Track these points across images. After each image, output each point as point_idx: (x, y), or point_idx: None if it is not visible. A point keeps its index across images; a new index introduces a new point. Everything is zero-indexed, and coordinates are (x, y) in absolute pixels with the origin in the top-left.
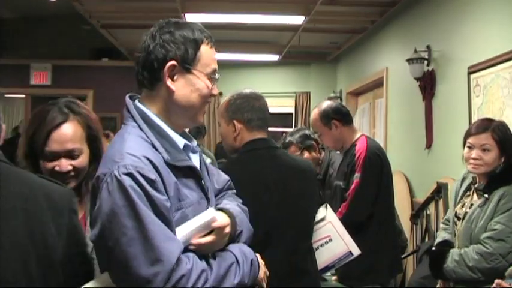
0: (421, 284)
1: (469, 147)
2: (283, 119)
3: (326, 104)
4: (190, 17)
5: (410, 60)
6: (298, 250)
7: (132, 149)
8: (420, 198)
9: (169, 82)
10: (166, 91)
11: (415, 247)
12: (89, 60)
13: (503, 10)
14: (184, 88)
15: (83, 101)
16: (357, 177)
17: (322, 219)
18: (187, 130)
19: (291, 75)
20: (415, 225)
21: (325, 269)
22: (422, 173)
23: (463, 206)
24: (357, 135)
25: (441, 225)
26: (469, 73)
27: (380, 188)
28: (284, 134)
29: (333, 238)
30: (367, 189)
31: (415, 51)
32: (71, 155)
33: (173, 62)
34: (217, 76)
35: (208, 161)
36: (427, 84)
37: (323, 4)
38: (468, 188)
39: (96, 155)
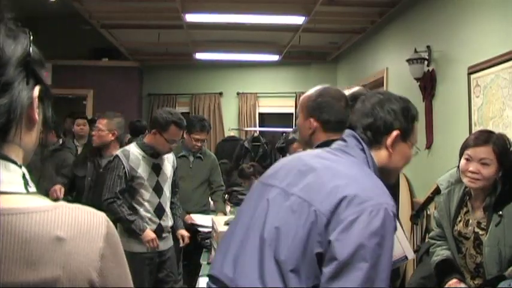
0: (421, 284)
1: (467, 159)
2: (283, 119)
3: (358, 89)
4: (190, 17)
5: (410, 61)
6: None
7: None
8: (420, 198)
9: (390, 147)
10: (385, 153)
11: (415, 247)
12: (89, 60)
13: (503, 10)
14: (398, 155)
15: (83, 101)
16: None
17: None
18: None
19: (291, 75)
20: (415, 225)
21: None
22: (422, 173)
23: (466, 225)
24: None
25: (431, 241)
26: (469, 73)
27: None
28: (284, 134)
29: None
30: None
31: (415, 51)
32: None
33: (398, 132)
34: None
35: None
36: (427, 85)
37: (323, 4)
38: (462, 203)
39: None
